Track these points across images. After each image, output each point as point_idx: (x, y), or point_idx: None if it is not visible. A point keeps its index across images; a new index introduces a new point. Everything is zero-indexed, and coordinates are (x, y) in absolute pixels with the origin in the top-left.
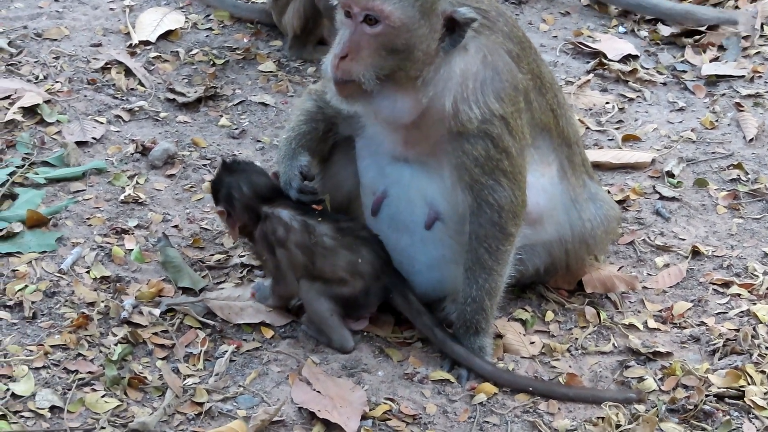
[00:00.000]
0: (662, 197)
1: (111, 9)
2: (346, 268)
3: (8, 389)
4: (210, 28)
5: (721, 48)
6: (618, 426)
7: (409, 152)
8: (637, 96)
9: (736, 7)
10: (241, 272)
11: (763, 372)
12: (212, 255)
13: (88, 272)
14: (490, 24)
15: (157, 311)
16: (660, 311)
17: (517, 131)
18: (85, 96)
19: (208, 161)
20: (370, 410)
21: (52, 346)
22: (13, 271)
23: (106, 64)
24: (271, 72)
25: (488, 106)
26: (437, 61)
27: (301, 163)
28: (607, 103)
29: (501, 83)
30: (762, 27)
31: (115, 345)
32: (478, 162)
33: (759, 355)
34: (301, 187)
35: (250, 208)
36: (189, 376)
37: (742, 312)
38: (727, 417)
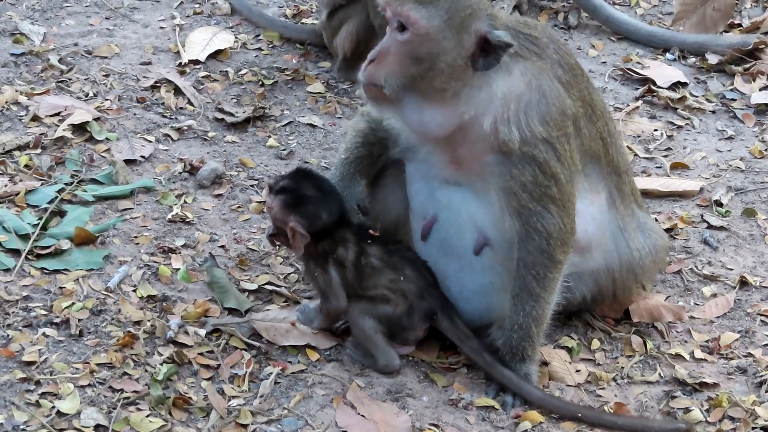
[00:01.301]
0: (710, 226)
1: (161, 28)
2: (388, 286)
3: (54, 407)
4: (259, 48)
5: None
6: None
7: (457, 174)
8: (686, 123)
9: None
10: (287, 295)
11: None
12: (258, 276)
13: (134, 291)
14: (539, 51)
15: (202, 331)
16: (707, 341)
17: (566, 157)
18: (134, 114)
19: (256, 182)
20: None
21: (97, 365)
22: (61, 288)
23: (156, 82)
24: (319, 93)
25: (531, 128)
26: (473, 80)
27: (358, 195)
28: (656, 130)
29: (547, 107)
30: None
31: (161, 364)
32: (526, 188)
33: None
34: (359, 222)
35: (328, 231)
36: (234, 397)
37: None
38: None
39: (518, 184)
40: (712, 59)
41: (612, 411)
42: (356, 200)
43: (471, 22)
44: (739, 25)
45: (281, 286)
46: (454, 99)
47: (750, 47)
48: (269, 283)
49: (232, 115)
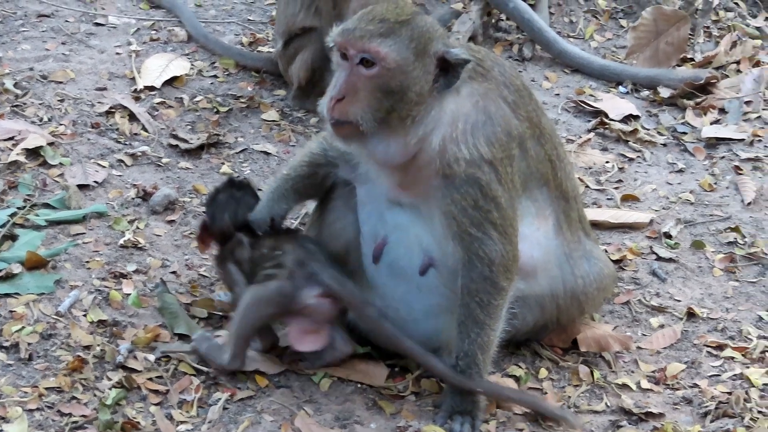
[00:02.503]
0: (659, 258)
1: (117, 54)
2: (272, 264)
3: (1, 430)
4: (215, 76)
5: (722, 111)
6: None
7: (403, 196)
8: (637, 156)
9: (738, 71)
10: None
11: None
12: (210, 308)
13: (85, 315)
14: (484, 72)
15: (152, 357)
16: (653, 372)
17: (506, 180)
18: (89, 139)
19: None
20: None
21: (46, 389)
22: (11, 312)
23: (111, 108)
24: (274, 121)
25: (477, 148)
26: (429, 101)
27: (279, 210)
28: (607, 162)
29: (493, 127)
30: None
31: (110, 389)
32: (466, 212)
33: (751, 418)
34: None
35: (228, 232)
36: (182, 422)
37: (735, 375)
38: None
39: (458, 209)
40: (665, 93)
41: None
42: (274, 214)
43: (429, 45)
44: (692, 59)
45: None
46: (416, 125)
47: (702, 82)
48: (220, 310)
49: (186, 141)
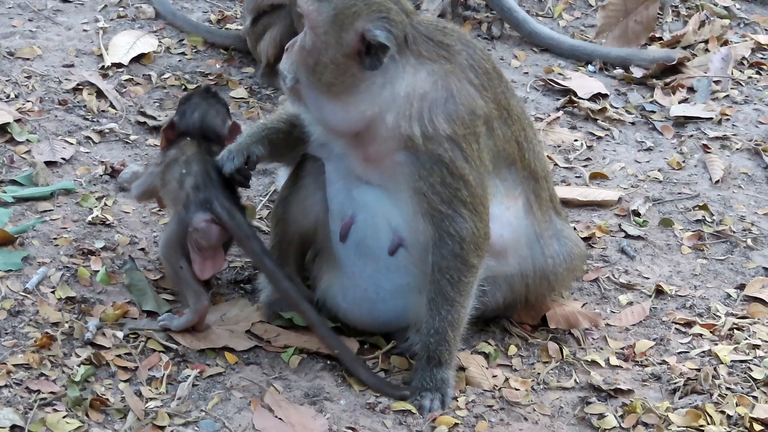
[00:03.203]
0: (628, 236)
1: (84, 30)
2: (176, 184)
3: None
4: (183, 53)
5: (691, 90)
6: None
7: (372, 173)
8: (606, 134)
9: (707, 50)
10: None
11: (722, 412)
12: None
13: (53, 292)
14: (448, 55)
15: (120, 333)
16: (622, 349)
17: (473, 157)
18: (56, 116)
19: None
20: None
21: (14, 365)
22: None
23: (78, 85)
24: (242, 98)
25: (434, 125)
26: (373, 78)
27: (256, 150)
28: (576, 140)
29: (455, 106)
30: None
31: (78, 366)
32: (435, 189)
33: (719, 395)
34: (240, 167)
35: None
36: (151, 399)
37: (703, 352)
38: None
39: (427, 185)
40: (637, 73)
41: None
42: (250, 153)
43: (354, 20)
44: (660, 38)
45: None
46: (352, 96)
47: (674, 62)
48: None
49: (154, 118)
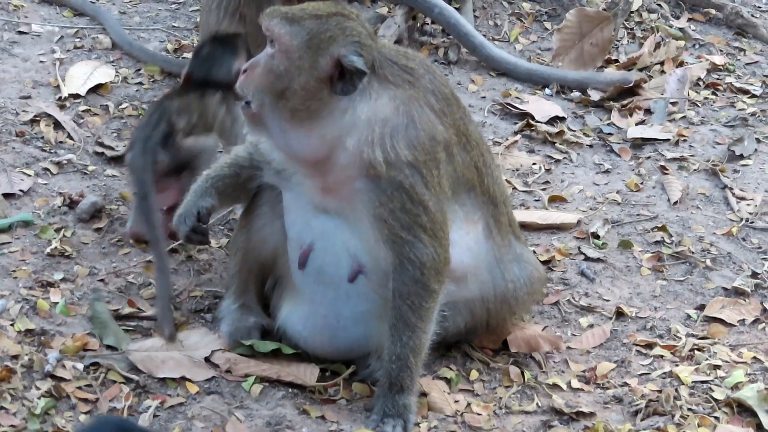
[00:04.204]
0: (587, 258)
1: (41, 62)
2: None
3: None
4: (140, 83)
5: (648, 111)
6: None
7: (330, 201)
8: (564, 157)
9: (663, 72)
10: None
11: None
12: (140, 311)
13: (12, 325)
14: (412, 80)
15: (81, 365)
16: (584, 371)
17: (433, 183)
18: (14, 148)
19: None
20: None
21: None
22: None
23: (35, 116)
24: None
25: (396, 150)
26: (337, 104)
27: (205, 204)
28: (534, 164)
29: (416, 131)
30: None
31: (39, 398)
32: (395, 215)
33: (681, 416)
34: (195, 226)
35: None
36: None
37: (664, 373)
38: None
39: (387, 212)
40: (594, 95)
41: None
42: (199, 208)
43: (329, 45)
44: (617, 60)
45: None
46: (316, 121)
47: (631, 84)
48: (148, 317)
49: (112, 149)
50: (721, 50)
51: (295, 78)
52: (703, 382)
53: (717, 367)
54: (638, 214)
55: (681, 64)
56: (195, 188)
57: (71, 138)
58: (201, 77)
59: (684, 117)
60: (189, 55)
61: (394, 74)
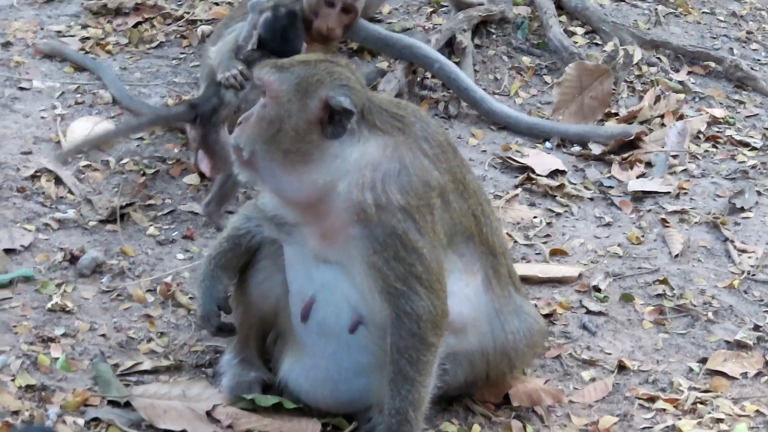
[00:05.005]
0: (589, 311)
1: (42, 117)
2: None
3: None
4: (141, 138)
5: (648, 165)
6: None
7: (328, 251)
8: (565, 211)
9: (663, 125)
10: (170, 364)
11: None
12: (139, 363)
13: (13, 380)
14: (402, 126)
15: (81, 421)
16: (586, 425)
17: (427, 230)
18: (14, 204)
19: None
20: None
21: None
22: None
23: (36, 171)
24: (201, 182)
25: (387, 194)
26: (328, 149)
27: (219, 294)
28: (535, 217)
29: (408, 176)
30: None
31: None
32: (389, 264)
33: None
34: (220, 325)
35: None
36: None
37: (667, 427)
38: None
39: (382, 260)
40: (595, 149)
41: None
42: (217, 300)
43: (317, 88)
44: (617, 113)
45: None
46: (308, 165)
47: (632, 137)
48: (152, 369)
49: (112, 203)
50: (721, 103)
51: (285, 121)
52: None
53: (720, 420)
54: (639, 267)
55: (681, 117)
56: (202, 279)
57: (72, 193)
58: (274, 47)
59: (685, 170)
60: None
61: (383, 121)
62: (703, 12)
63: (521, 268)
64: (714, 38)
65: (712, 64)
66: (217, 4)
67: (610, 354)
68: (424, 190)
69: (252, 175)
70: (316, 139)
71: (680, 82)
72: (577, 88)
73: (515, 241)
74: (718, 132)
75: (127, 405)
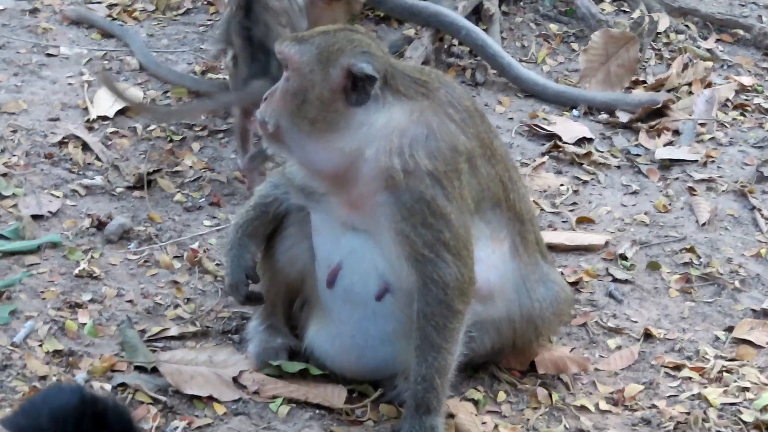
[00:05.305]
0: (615, 279)
1: (69, 84)
2: None
3: None
4: (168, 105)
5: (676, 133)
6: None
7: (356, 218)
8: (592, 179)
9: (690, 93)
10: (196, 330)
11: None
12: (166, 329)
13: (40, 345)
14: (426, 92)
15: (108, 386)
16: (611, 393)
17: (455, 195)
18: (42, 170)
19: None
20: None
21: None
22: None
23: (64, 138)
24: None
25: (415, 159)
26: (354, 117)
27: (246, 263)
28: (562, 185)
29: (436, 141)
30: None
31: None
32: (417, 231)
33: None
34: (248, 294)
35: None
36: None
37: (693, 395)
38: None
39: (409, 227)
40: (623, 117)
41: None
42: (245, 269)
43: (339, 56)
44: (644, 82)
45: (188, 320)
46: (334, 133)
47: (659, 105)
48: (179, 335)
49: (140, 170)
50: (749, 71)
51: (309, 92)
52: (731, 404)
53: (746, 389)
54: (666, 236)
55: (709, 85)
56: (230, 247)
57: (99, 160)
58: None
59: (712, 138)
60: (216, 77)
61: (407, 86)
62: None
63: (548, 236)
64: (742, 5)
65: (741, 32)
66: None
67: (636, 322)
68: (452, 155)
69: (280, 147)
70: (341, 108)
71: (708, 50)
72: (603, 56)
73: (542, 209)
74: (746, 100)
75: (154, 371)
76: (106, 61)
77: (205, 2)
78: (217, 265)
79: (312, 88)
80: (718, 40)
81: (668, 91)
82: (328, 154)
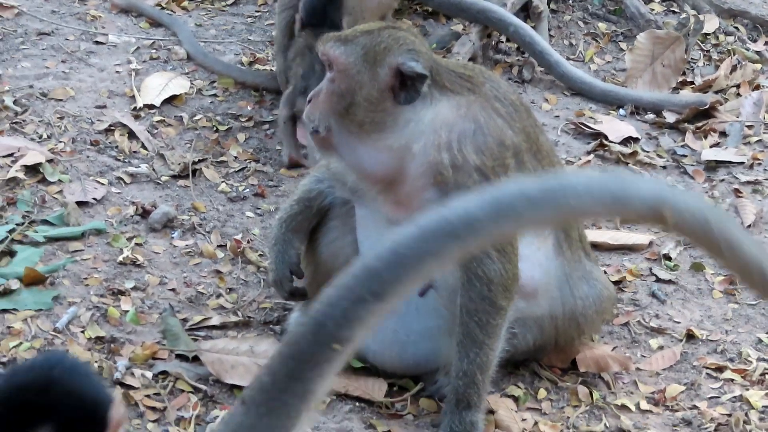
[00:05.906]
0: (658, 279)
1: (117, 72)
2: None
3: None
4: (215, 95)
5: (722, 134)
6: None
7: (401, 215)
8: None
9: (738, 95)
10: (238, 320)
11: None
12: (208, 318)
13: (83, 332)
14: (472, 86)
15: (149, 373)
16: (653, 393)
17: None
18: (88, 157)
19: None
20: None
21: None
22: (8, 327)
23: (110, 126)
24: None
25: (463, 154)
26: (401, 114)
27: (291, 259)
28: None
29: (483, 136)
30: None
31: None
32: None
33: None
34: (292, 290)
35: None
36: None
37: (734, 397)
38: None
39: None
40: (670, 117)
41: None
42: (289, 265)
43: (386, 55)
44: (692, 83)
45: (230, 310)
46: (383, 133)
47: (706, 106)
48: (221, 325)
49: (185, 159)
50: None
51: (357, 93)
52: None
53: None
54: None
55: (757, 87)
56: (274, 242)
57: (145, 148)
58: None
59: (759, 140)
60: (263, 68)
61: (452, 81)
62: None
63: (592, 235)
64: None
65: None
66: None
67: (678, 323)
68: (499, 150)
69: (329, 152)
70: (389, 107)
71: (757, 52)
72: (649, 57)
73: None
74: None
75: (195, 359)
76: (154, 50)
77: None
78: (260, 255)
79: (360, 89)
80: (767, 43)
81: (716, 92)
82: (377, 153)
